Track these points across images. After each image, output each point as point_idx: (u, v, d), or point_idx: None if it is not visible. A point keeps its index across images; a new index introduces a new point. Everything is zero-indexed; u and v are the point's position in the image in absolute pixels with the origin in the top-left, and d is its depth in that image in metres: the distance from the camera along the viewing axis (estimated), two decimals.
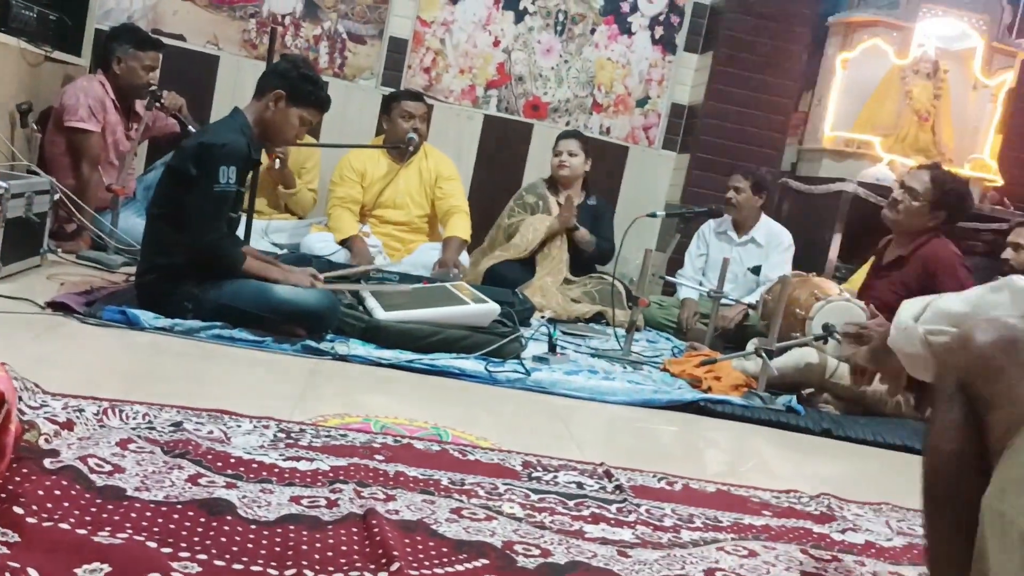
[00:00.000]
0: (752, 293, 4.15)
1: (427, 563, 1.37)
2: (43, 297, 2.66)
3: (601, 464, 2.02)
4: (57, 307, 2.60)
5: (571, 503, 1.75)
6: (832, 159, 4.85)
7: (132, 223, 3.60)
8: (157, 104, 3.72)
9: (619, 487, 1.89)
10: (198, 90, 4.43)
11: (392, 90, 4.56)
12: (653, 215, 3.94)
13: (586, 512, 1.72)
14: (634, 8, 5.05)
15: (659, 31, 5.09)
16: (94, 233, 3.55)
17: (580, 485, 1.88)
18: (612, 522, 1.70)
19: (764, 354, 3.02)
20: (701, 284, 4.23)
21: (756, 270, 4.29)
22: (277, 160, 3.97)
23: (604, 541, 1.59)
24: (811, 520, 1.92)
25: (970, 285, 3.07)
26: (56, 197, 3.25)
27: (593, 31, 5.03)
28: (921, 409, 3.31)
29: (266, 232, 4.08)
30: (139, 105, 3.84)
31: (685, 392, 2.93)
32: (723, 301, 3.81)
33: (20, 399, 1.60)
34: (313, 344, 2.66)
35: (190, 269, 2.71)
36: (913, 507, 2.02)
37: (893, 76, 4.87)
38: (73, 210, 3.42)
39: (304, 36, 4.74)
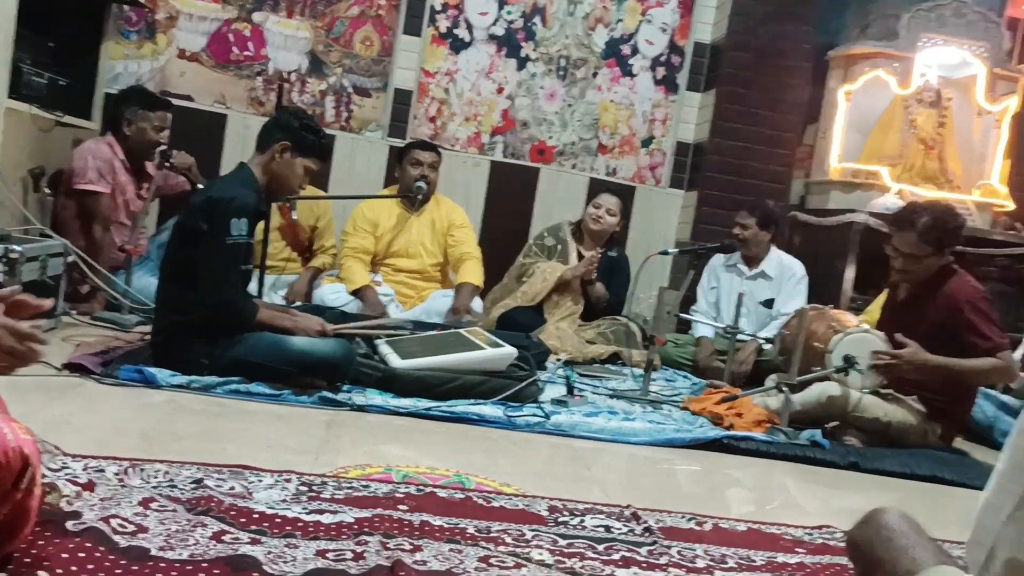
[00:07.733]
0: (765, 328, 4.12)
1: None
2: (59, 359, 2.65)
3: (628, 506, 1.98)
4: (73, 368, 2.60)
5: (600, 547, 1.72)
6: (841, 191, 4.85)
7: (145, 282, 3.61)
8: (167, 164, 3.76)
9: (648, 529, 1.86)
10: (207, 148, 4.48)
11: (400, 141, 4.60)
12: (665, 252, 3.93)
13: (616, 556, 1.69)
14: (635, 50, 5.10)
15: (661, 72, 5.14)
16: (108, 294, 3.56)
17: (608, 528, 1.84)
18: (644, 565, 1.66)
19: (786, 389, 2.99)
20: (715, 319, 4.20)
21: (768, 303, 4.27)
22: (292, 214, 3.95)
23: None
24: (846, 555, 1.87)
25: (994, 318, 3.04)
26: (70, 259, 3.27)
27: (595, 74, 5.08)
28: (946, 439, 3.26)
29: (275, 287, 4.07)
30: (150, 165, 3.88)
31: (707, 430, 2.89)
32: (738, 337, 3.79)
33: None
34: (330, 395, 2.65)
35: (205, 325, 2.70)
36: (945, 538, 1.97)
37: (896, 106, 4.89)
38: (87, 271, 3.43)
39: (310, 91, 4.80)
